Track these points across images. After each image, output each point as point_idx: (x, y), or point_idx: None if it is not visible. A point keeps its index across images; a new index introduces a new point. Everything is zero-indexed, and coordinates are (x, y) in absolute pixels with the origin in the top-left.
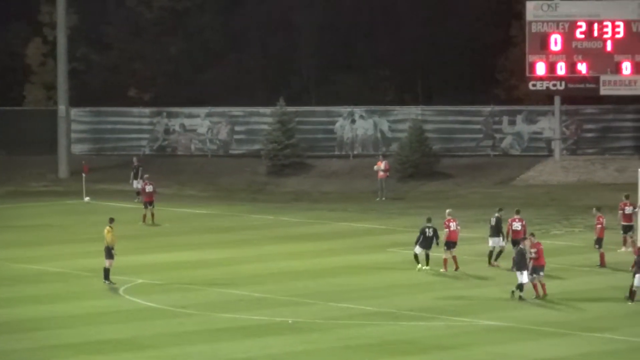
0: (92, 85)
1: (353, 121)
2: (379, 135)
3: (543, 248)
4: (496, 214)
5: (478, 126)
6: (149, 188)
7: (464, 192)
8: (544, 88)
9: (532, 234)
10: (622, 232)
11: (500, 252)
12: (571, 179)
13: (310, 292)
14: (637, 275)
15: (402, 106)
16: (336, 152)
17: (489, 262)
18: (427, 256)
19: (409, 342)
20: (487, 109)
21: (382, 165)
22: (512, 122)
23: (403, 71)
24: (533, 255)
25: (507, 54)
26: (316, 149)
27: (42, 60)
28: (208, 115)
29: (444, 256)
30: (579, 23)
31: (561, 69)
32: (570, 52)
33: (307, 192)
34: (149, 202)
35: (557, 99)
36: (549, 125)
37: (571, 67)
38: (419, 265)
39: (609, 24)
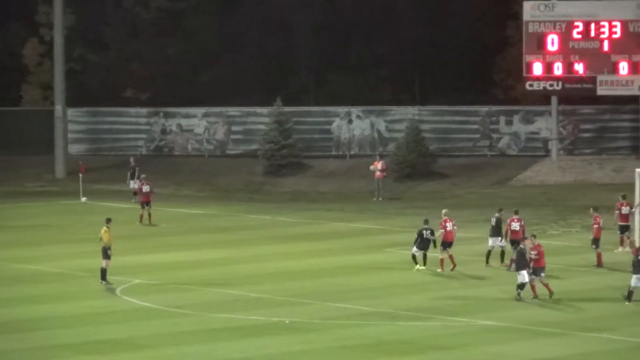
0: (89, 86)
1: (350, 121)
2: (375, 135)
3: (544, 250)
4: (496, 214)
5: (475, 126)
6: (145, 188)
7: (460, 192)
8: (541, 88)
9: (534, 235)
10: (619, 232)
11: (503, 252)
12: (568, 179)
13: (307, 292)
14: (634, 276)
15: (399, 106)
16: (333, 152)
17: (487, 262)
18: (425, 257)
19: (406, 342)
20: (484, 109)
21: (378, 165)
22: (509, 122)
23: (400, 71)
24: (534, 256)
25: (504, 54)
26: (313, 149)
27: (39, 60)
28: (205, 115)
29: (440, 256)
30: (576, 23)
31: (558, 69)
32: (567, 52)
33: (304, 192)
34: (145, 202)
35: (554, 99)
36: (546, 126)
37: (568, 67)
38: (417, 266)
39: (606, 24)
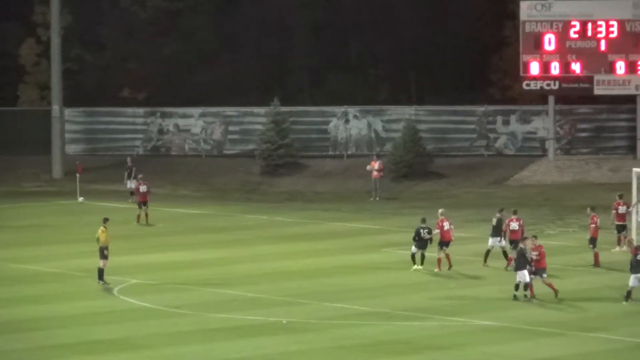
0: (86, 86)
1: (347, 121)
2: (372, 135)
3: (545, 251)
4: (497, 215)
5: (472, 126)
6: (142, 188)
7: (457, 192)
8: (538, 88)
9: (535, 236)
10: (616, 231)
11: (505, 252)
12: (565, 178)
13: (304, 292)
14: (632, 276)
15: (396, 106)
16: (330, 152)
17: (485, 261)
18: (423, 256)
19: (403, 342)
20: (481, 108)
21: (375, 165)
22: (506, 122)
23: (397, 71)
24: (535, 257)
25: (501, 54)
26: (310, 149)
27: (36, 60)
28: (202, 115)
29: (437, 256)
30: (572, 23)
31: (555, 68)
32: (564, 51)
33: (301, 192)
34: (142, 202)
35: (551, 99)
36: (543, 125)
37: (565, 66)
38: (414, 266)
39: (603, 23)
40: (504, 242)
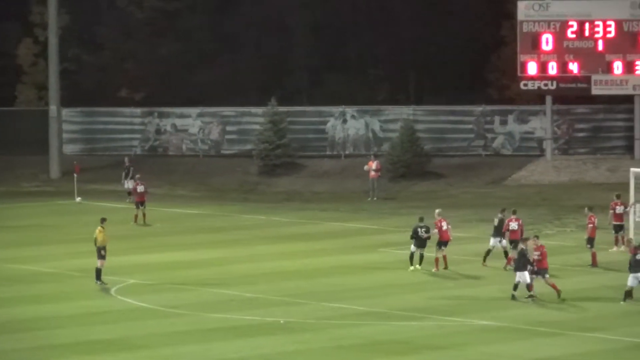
0: (84, 86)
1: (344, 121)
2: (370, 135)
3: (547, 251)
4: (499, 215)
5: (469, 126)
6: (140, 188)
7: (455, 192)
8: (536, 88)
9: (536, 236)
10: (613, 231)
11: (506, 252)
12: (563, 178)
13: (302, 292)
14: (631, 275)
15: (393, 106)
16: (328, 152)
17: (484, 261)
18: (421, 256)
19: (401, 342)
20: (479, 108)
21: (373, 165)
22: (504, 122)
23: (396, 71)
24: (536, 257)
25: (498, 54)
26: (308, 149)
27: (33, 60)
28: (199, 115)
29: (435, 255)
30: (570, 23)
31: (552, 68)
32: (562, 51)
33: (299, 192)
34: (140, 202)
35: (548, 99)
36: (541, 125)
37: (562, 66)
38: (411, 266)
39: (600, 23)
40: (505, 242)
